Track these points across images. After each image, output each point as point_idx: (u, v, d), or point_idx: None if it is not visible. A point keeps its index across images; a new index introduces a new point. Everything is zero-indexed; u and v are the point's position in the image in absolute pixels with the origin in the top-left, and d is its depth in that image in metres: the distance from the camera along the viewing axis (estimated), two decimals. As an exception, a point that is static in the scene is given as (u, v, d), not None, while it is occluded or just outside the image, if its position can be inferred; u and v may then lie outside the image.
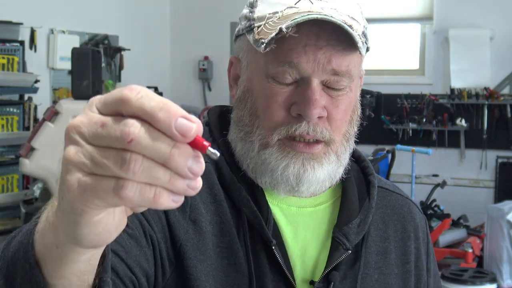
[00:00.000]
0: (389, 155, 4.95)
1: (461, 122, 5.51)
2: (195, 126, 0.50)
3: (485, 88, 5.42)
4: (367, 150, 5.22)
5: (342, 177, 1.06)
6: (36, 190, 3.58)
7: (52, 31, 4.97)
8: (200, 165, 0.52)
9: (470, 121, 5.53)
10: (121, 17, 5.76)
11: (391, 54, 5.91)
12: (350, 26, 0.91)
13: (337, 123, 0.97)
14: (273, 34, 0.90)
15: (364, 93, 5.62)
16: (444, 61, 5.60)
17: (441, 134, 5.62)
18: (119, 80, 5.59)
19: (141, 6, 6.06)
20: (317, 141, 0.97)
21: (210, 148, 0.52)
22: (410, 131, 5.69)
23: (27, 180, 4.32)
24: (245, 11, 1.00)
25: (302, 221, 1.03)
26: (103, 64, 5.18)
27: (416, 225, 1.12)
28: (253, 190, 1.01)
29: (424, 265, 1.11)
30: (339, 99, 0.97)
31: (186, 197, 0.95)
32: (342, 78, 0.95)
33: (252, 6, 0.99)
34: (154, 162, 0.51)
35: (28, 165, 3.03)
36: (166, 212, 0.94)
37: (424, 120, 5.62)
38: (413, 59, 5.82)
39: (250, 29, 0.97)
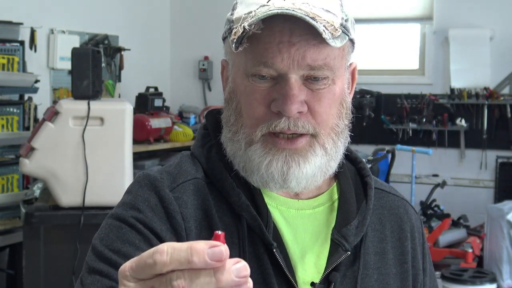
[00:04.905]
0: (389, 155, 4.95)
1: (461, 122, 5.51)
2: (223, 248, 0.53)
3: (485, 88, 5.42)
4: (367, 150, 5.22)
5: (339, 176, 1.07)
6: (36, 190, 3.58)
7: (52, 31, 4.97)
8: (244, 266, 0.55)
9: (470, 121, 5.53)
10: (121, 17, 5.76)
11: (391, 54, 5.91)
12: (313, 18, 0.91)
13: (322, 117, 0.97)
14: (239, 33, 0.92)
15: (364, 93, 5.62)
16: (444, 61, 5.60)
17: (441, 134, 5.62)
18: (119, 80, 5.59)
19: (141, 6, 6.06)
20: (301, 135, 0.97)
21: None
22: (410, 131, 5.69)
23: (27, 180, 4.32)
24: (228, 14, 1.02)
25: (301, 223, 1.03)
26: (103, 64, 5.19)
27: (412, 225, 1.13)
28: (252, 193, 1.01)
29: (420, 265, 1.12)
30: (321, 93, 0.96)
31: (179, 221, 0.95)
32: (321, 72, 0.95)
33: (233, 9, 1.01)
34: None
35: (28, 165, 3.01)
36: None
37: (424, 120, 5.62)
38: (413, 59, 5.82)
39: (230, 31, 0.98)
